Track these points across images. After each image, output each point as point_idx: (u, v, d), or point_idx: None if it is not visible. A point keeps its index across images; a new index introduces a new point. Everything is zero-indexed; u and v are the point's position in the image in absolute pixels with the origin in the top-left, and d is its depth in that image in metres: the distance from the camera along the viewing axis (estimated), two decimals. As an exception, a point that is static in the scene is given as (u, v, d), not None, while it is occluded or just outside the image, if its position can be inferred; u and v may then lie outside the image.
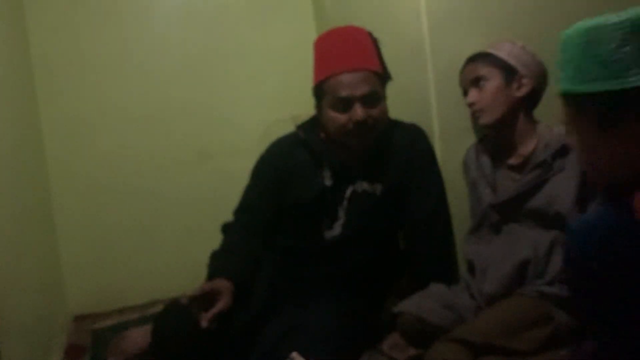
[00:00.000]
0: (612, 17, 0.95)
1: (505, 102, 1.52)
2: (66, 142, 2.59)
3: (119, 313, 2.57)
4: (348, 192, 1.64)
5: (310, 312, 1.57)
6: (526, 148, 1.53)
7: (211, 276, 1.57)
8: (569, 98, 1.02)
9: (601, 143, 0.98)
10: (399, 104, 1.73)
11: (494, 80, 1.53)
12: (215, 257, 1.66)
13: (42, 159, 2.54)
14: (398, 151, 1.66)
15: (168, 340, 1.55)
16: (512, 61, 1.52)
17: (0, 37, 2.08)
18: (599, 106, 0.96)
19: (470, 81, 1.57)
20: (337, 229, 1.64)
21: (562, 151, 1.46)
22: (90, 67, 2.63)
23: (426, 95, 1.80)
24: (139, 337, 1.74)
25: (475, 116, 1.58)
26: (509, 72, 1.52)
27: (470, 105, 1.57)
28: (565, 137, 1.43)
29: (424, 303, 1.50)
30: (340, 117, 1.56)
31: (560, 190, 1.44)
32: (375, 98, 1.56)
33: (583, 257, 1.03)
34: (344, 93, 1.54)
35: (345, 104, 1.55)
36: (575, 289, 1.14)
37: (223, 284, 1.51)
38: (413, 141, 1.68)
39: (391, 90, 1.67)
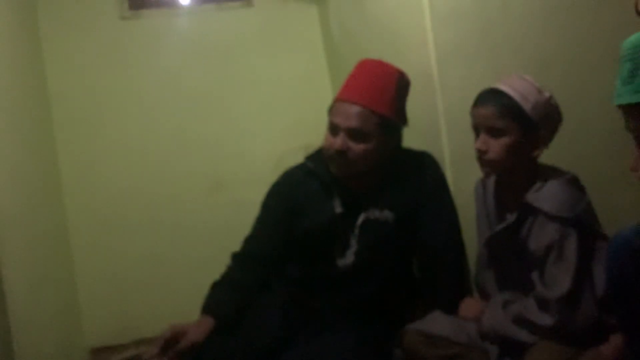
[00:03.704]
0: None
1: (517, 158, 1.40)
2: (83, 176, 2.65)
3: (136, 345, 2.57)
4: (360, 219, 1.65)
5: (326, 341, 1.56)
6: (521, 193, 1.42)
7: (202, 310, 1.67)
8: (629, 110, 0.98)
9: None
10: (410, 133, 1.75)
11: (511, 137, 1.38)
12: (212, 288, 1.71)
13: (60, 193, 2.59)
14: (409, 178, 1.67)
15: None
16: (535, 117, 1.37)
17: (19, 76, 2.15)
18: None
19: (483, 126, 1.42)
20: (349, 257, 1.65)
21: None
22: (106, 102, 2.70)
23: (436, 124, 1.83)
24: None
25: (480, 161, 1.45)
26: (529, 127, 1.38)
27: (479, 151, 1.43)
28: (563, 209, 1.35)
29: (426, 320, 1.51)
30: (328, 140, 1.63)
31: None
32: (362, 135, 1.58)
33: (621, 270, 1.05)
34: (335, 119, 1.61)
35: (334, 130, 1.61)
36: (615, 301, 1.15)
37: (195, 325, 1.61)
38: (424, 168, 1.69)
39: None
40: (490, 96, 1.42)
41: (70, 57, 2.65)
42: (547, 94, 1.39)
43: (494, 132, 1.39)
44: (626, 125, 1.00)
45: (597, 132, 1.80)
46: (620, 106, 0.98)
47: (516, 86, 1.40)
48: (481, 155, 1.43)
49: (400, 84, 1.64)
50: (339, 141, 1.58)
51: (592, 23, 1.82)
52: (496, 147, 1.39)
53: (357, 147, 1.59)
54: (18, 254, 1.76)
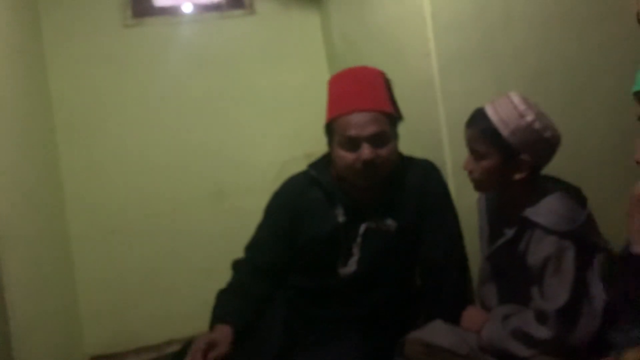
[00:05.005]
0: None
1: (499, 180, 1.42)
2: (85, 184, 2.65)
3: (136, 353, 2.57)
4: (362, 228, 1.65)
5: (329, 351, 1.56)
6: (520, 207, 1.42)
7: (214, 318, 1.60)
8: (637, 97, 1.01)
9: None
10: (411, 142, 1.76)
11: (490, 160, 1.40)
12: (220, 297, 1.66)
13: (61, 200, 2.59)
14: (411, 187, 1.66)
15: None
16: (514, 142, 1.36)
17: (22, 83, 2.16)
18: None
19: (468, 146, 1.45)
20: (352, 266, 1.64)
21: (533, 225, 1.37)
22: (108, 110, 2.71)
23: (438, 133, 1.83)
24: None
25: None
26: (508, 152, 1.37)
27: (465, 170, 1.48)
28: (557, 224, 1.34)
29: (428, 329, 1.50)
30: (349, 156, 1.58)
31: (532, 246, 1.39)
32: (383, 138, 1.57)
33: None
34: (351, 132, 1.56)
35: (353, 144, 1.56)
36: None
37: (220, 335, 1.52)
38: (426, 177, 1.69)
39: (403, 128, 1.70)
40: (475, 118, 1.43)
41: (73, 64, 2.66)
42: (529, 118, 1.35)
43: (476, 154, 1.42)
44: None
45: (598, 140, 1.80)
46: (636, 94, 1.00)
47: (499, 109, 1.39)
48: (468, 174, 1.46)
49: (387, 81, 1.66)
50: (366, 151, 1.55)
51: (593, 32, 1.83)
52: (478, 169, 1.42)
53: (383, 152, 1.57)
54: (19, 261, 1.76)
